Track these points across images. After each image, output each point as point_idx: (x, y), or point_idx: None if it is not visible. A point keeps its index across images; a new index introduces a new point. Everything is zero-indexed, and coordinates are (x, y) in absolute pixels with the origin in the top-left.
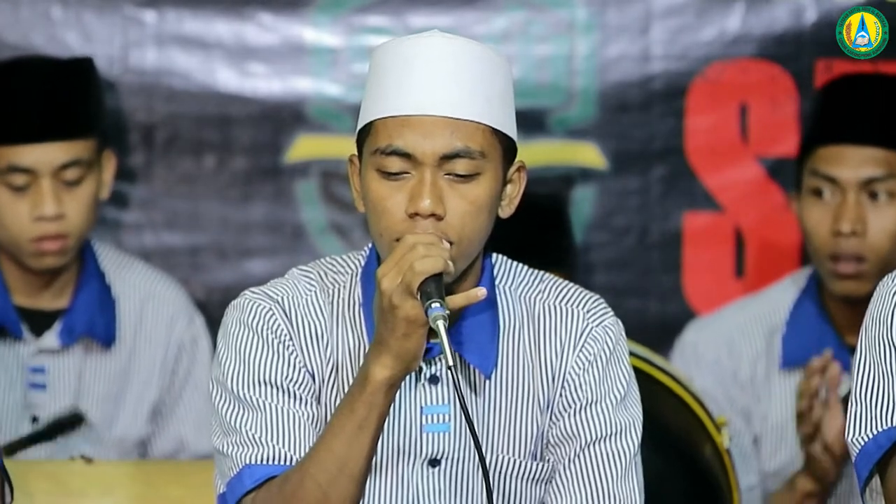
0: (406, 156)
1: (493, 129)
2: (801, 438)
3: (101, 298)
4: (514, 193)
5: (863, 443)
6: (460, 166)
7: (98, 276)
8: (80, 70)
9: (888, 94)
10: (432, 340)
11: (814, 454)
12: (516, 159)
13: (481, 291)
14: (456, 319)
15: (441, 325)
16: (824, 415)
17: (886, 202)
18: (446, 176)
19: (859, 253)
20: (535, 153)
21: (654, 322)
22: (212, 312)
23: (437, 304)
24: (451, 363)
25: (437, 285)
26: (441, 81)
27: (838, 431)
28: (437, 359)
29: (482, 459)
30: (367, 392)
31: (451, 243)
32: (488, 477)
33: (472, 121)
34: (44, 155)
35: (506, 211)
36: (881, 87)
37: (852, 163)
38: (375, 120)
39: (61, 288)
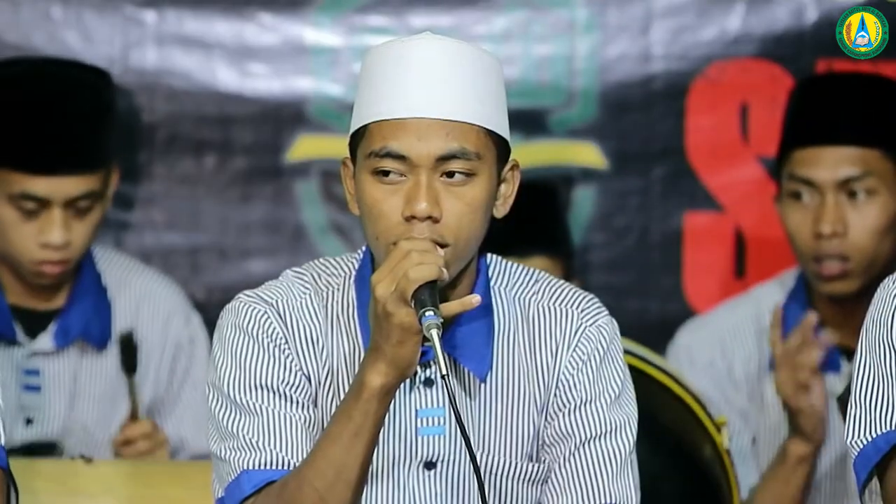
0: (401, 158)
1: (488, 130)
2: (786, 399)
3: (97, 300)
4: (508, 193)
5: (861, 445)
6: (456, 167)
7: (94, 277)
8: (101, 98)
9: (858, 93)
10: (427, 344)
11: (800, 410)
12: (510, 158)
13: (476, 299)
14: (451, 323)
15: (434, 334)
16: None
17: (865, 200)
18: (442, 178)
19: (842, 253)
20: (535, 153)
21: (654, 322)
22: (212, 313)
23: (431, 313)
24: (444, 372)
25: (430, 293)
26: (434, 83)
27: (819, 388)
28: (432, 362)
29: (475, 465)
30: (362, 399)
31: (446, 245)
32: (482, 480)
33: (466, 122)
34: (58, 186)
35: (500, 210)
36: (850, 85)
37: (828, 164)
38: (369, 123)
39: (57, 288)
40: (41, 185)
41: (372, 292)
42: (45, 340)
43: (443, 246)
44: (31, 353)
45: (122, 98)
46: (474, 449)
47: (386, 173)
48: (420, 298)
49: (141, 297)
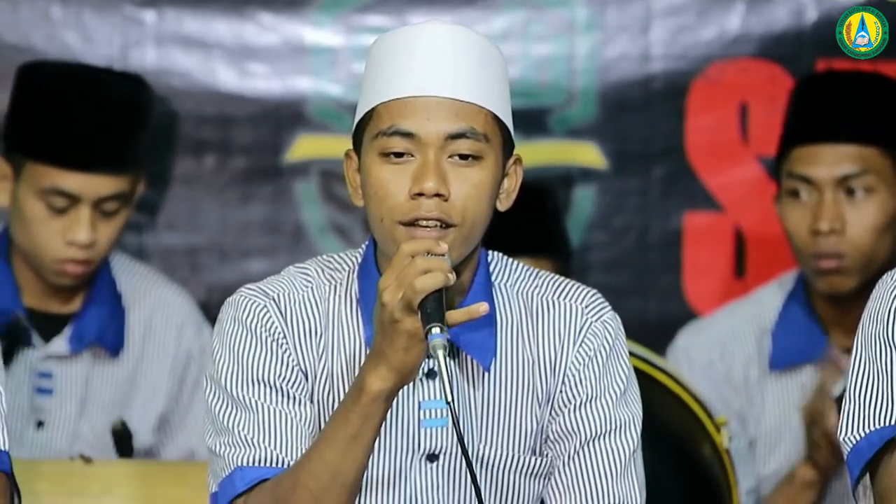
0: (409, 136)
1: (495, 115)
2: (805, 426)
3: (112, 306)
4: (511, 187)
5: (855, 441)
6: (465, 147)
7: (109, 282)
8: (140, 103)
9: (857, 91)
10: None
11: (815, 440)
12: (513, 153)
13: (483, 307)
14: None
15: (440, 354)
16: (825, 403)
17: (864, 198)
18: (450, 159)
19: (840, 251)
20: (535, 153)
21: (654, 322)
22: (212, 313)
23: (437, 330)
24: (449, 399)
25: (437, 304)
26: (443, 64)
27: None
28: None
29: (467, 458)
30: (361, 403)
31: (453, 225)
32: (474, 473)
33: (475, 104)
34: (90, 184)
35: (503, 204)
36: (850, 83)
37: (826, 161)
38: (377, 105)
39: (73, 292)
40: (73, 181)
41: (378, 297)
42: (60, 344)
43: (450, 226)
44: (45, 356)
45: (160, 107)
46: (477, 441)
47: (394, 154)
48: (426, 311)
49: (155, 306)
